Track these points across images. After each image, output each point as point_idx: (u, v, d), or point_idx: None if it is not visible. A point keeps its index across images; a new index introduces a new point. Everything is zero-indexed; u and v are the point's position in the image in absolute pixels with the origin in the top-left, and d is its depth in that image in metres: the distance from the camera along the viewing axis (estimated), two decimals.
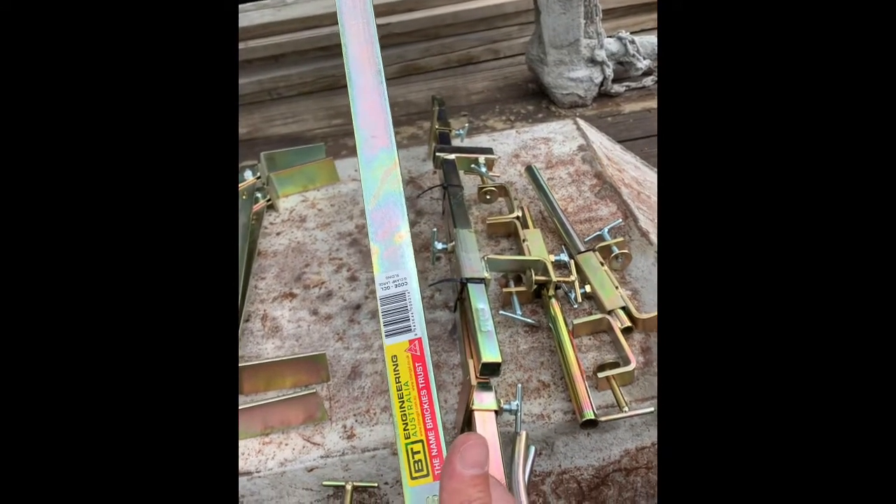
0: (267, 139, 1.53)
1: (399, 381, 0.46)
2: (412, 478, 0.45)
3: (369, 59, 0.62)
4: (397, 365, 0.46)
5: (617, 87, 1.48)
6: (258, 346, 0.82)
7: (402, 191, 0.55)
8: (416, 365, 0.46)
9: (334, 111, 1.61)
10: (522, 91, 1.57)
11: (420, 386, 0.46)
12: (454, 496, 0.42)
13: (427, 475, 0.45)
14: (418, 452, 0.45)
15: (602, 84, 1.47)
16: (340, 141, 1.50)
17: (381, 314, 0.48)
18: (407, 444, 0.45)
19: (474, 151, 0.97)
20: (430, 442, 0.46)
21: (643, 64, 1.48)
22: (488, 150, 0.97)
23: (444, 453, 0.45)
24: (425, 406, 0.46)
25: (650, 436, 0.70)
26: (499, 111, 1.52)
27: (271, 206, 1.04)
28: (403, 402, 0.46)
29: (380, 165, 0.57)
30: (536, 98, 1.53)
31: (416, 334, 0.48)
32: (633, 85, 1.49)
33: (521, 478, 0.64)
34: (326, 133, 1.53)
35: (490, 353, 0.68)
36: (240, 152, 1.41)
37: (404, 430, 0.46)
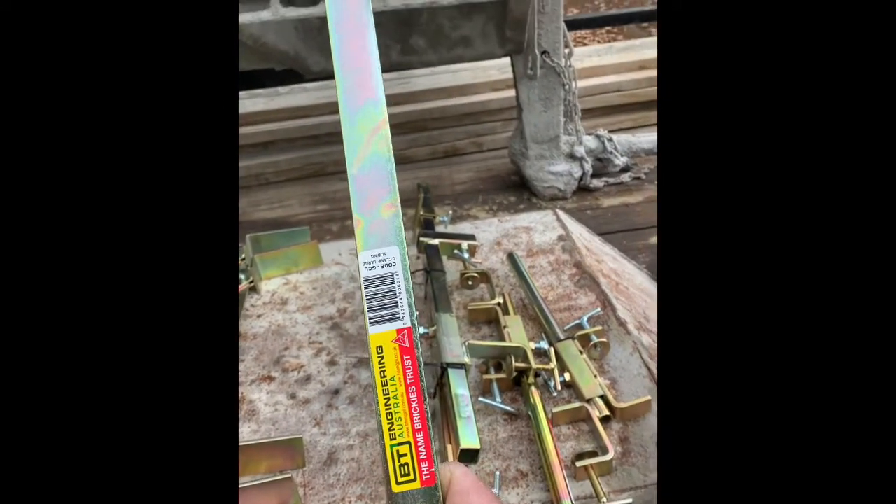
0: (252, 223, 1.55)
1: (385, 376, 0.41)
2: (398, 483, 0.41)
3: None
4: (382, 357, 0.40)
5: (596, 182, 1.53)
6: None
7: (391, 154, 0.47)
8: (405, 358, 0.40)
9: (320, 197, 1.64)
10: (505, 182, 1.62)
11: (408, 381, 0.41)
12: None
13: (414, 480, 0.41)
14: (405, 455, 0.41)
15: (581, 178, 1.52)
16: (325, 226, 1.52)
17: (364, 298, 0.41)
18: (392, 446, 0.41)
19: (457, 237, 0.99)
20: (419, 444, 0.41)
21: (621, 161, 1.54)
22: (471, 237, 1.00)
23: (434, 458, 0.41)
24: (413, 404, 0.41)
25: None
26: (482, 201, 1.56)
27: (253, 289, 1.05)
28: (389, 398, 0.41)
29: (365, 120, 0.48)
30: (518, 190, 1.58)
31: (404, 323, 0.42)
32: (612, 180, 1.55)
33: None
34: (311, 218, 1.56)
35: (469, 440, 0.68)
36: None
37: (389, 430, 0.41)
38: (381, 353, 0.41)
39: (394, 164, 0.46)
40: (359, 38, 0.51)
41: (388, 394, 0.41)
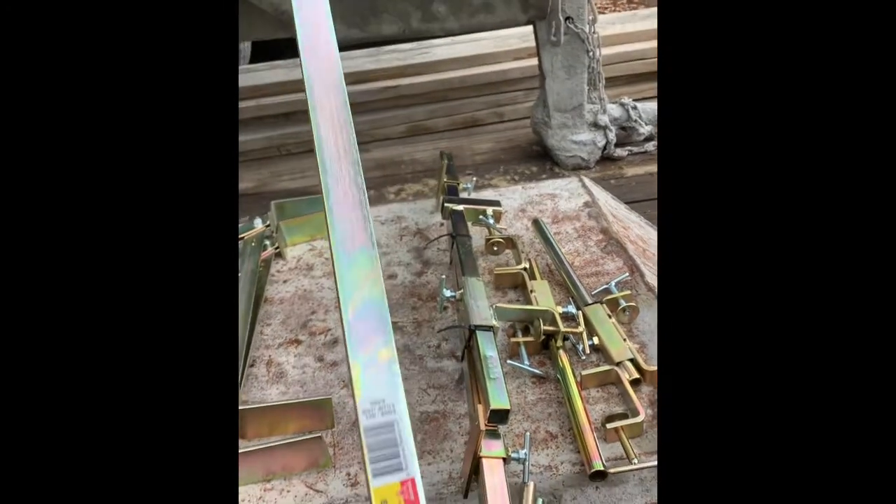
0: (275, 194, 1.55)
1: None
2: None
3: (344, 146, 0.54)
4: None
5: (620, 151, 1.51)
6: (262, 391, 0.81)
7: (384, 298, 0.47)
8: None
9: None
10: (527, 153, 1.60)
11: None
12: None
13: None
14: None
15: (605, 148, 1.50)
16: None
17: (365, 449, 0.40)
18: None
19: (482, 203, 0.98)
20: None
21: (645, 129, 1.52)
22: (496, 203, 0.99)
23: None
24: None
25: None
26: (503, 171, 1.54)
27: (279, 254, 1.05)
28: None
29: (358, 267, 0.48)
30: (540, 160, 1.56)
31: (408, 474, 0.40)
32: (636, 149, 1.53)
33: None
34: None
35: (499, 400, 0.68)
36: (248, 205, 1.42)
37: None
38: None
39: (388, 309, 0.45)
40: (348, 193, 0.52)
41: None
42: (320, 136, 0.54)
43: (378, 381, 0.44)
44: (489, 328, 0.76)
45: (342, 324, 0.46)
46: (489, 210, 0.97)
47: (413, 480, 0.40)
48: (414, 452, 0.41)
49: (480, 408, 0.67)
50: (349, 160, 0.53)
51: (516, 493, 0.64)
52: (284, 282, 0.99)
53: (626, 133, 1.52)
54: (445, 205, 0.97)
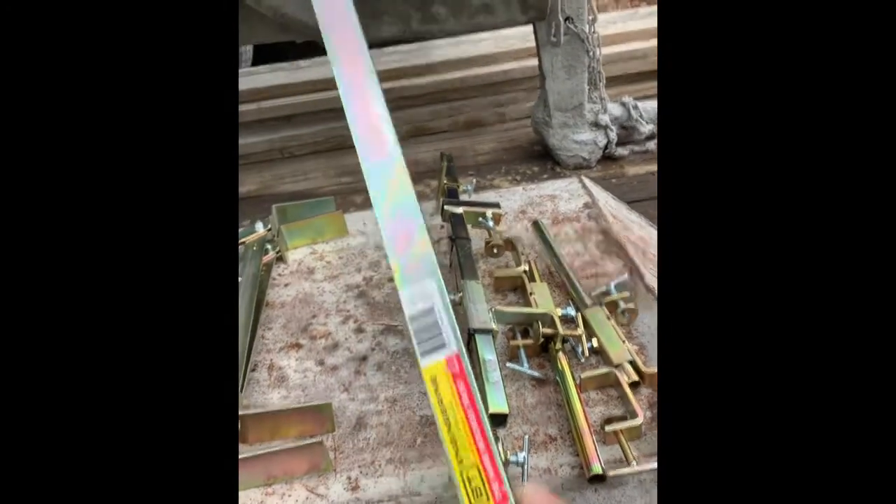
0: (276, 197, 1.55)
1: (442, 404, 0.42)
2: None
3: (358, 57, 0.58)
4: (437, 387, 0.42)
5: (621, 151, 1.51)
6: (264, 395, 0.81)
7: (414, 197, 0.50)
8: (458, 382, 0.42)
9: (343, 170, 1.64)
10: (528, 153, 1.60)
11: (465, 406, 0.42)
12: None
13: (488, 501, 0.41)
14: (475, 478, 0.41)
15: (606, 147, 1.50)
16: (349, 198, 1.52)
17: (412, 334, 0.44)
18: (462, 473, 0.41)
19: (482, 206, 0.98)
20: (486, 465, 0.42)
21: (646, 128, 1.51)
22: (495, 205, 0.99)
23: (503, 475, 0.41)
24: (473, 427, 0.41)
25: None
26: (505, 171, 1.55)
27: (280, 258, 1.05)
28: (450, 426, 0.42)
29: (384, 176, 0.52)
30: (542, 159, 1.56)
31: (452, 350, 0.43)
32: (637, 149, 1.52)
33: None
34: (335, 191, 1.56)
35: (498, 404, 0.68)
36: (249, 209, 1.43)
37: (456, 455, 0.42)
38: (436, 383, 0.42)
39: (418, 205, 0.48)
40: (366, 101, 0.56)
41: (449, 421, 0.41)
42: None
43: (415, 273, 0.47)
44: (488, 331, 0.76)
45: (380, 228, 0.50)
46: (489, 212, 0.98)
47: (457, 355, 0.43)
48: (456, 329, 0.44)
49: None
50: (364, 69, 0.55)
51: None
52: (286, 285, 1.00)
53: (627, 132, 1.52)
54: (445, 207, 0.97)
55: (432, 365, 0.43)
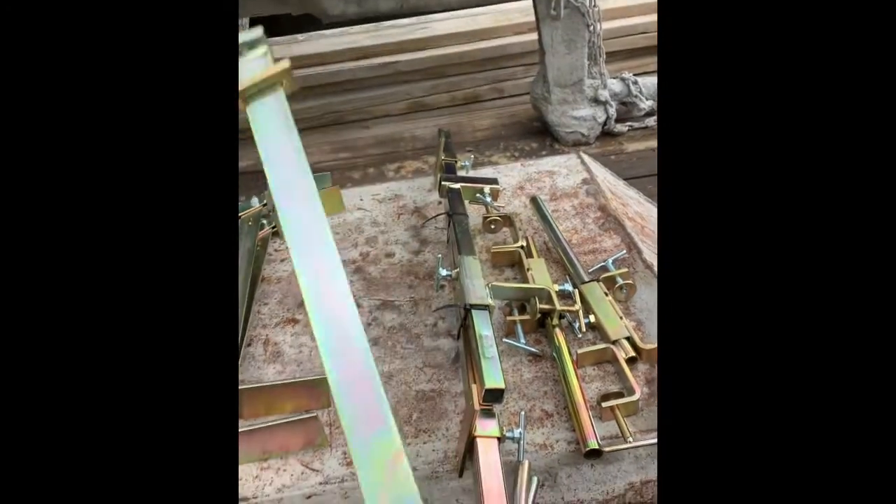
0: None
1: None
2: None
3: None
4: None
5: (620, 127, 1.50)
6: (259, 370, 0.81)
7: (417, 496, 0.42)
8: None
9: (340, 145, 1.62)
10: (527, 129, 1.59)
11: None
12: None
13: None
14: None
15: (605, 123, 1.48)
16: (346, 174, 1.51)
17: None
18: None
19: (480, 181, 0.98)
20: None
21: (646, 104, 1.50)
22: (493, 181, 0.98)
23: None
24: None
25: (656, 469, 0.69)
26: (503, 148, 1.53)
27: (276, 233, 1.04)
28: None
29: (379, 453, 0.43)
30: (540, 136, 1.55)
31: None
32: (636, 125, 1.51)
33: None
34: (332, 166, 1.54)
35: (494, 379, 0.68)
36: (245, 184, 1.42)
37: None
38: None
39: None
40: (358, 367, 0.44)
41: None
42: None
43: None
44: (485, 307, 0.75)
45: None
46: (486, 188, 0.97)
47: None
48: None
49: (475, 387, 0.67)
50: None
51: (511, 471, 0.64)
52: (282, 261, 0.99)
53: (626, 108, 1.51)
54: (443, 183, 0.96)
55: None
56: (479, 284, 0.78)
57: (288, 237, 0.52)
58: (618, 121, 1.49)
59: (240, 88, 0.53)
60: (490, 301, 0.76)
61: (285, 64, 0.55)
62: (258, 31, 0.56)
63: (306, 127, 1.70)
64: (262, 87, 0.55)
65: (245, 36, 0.56)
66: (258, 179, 1.49)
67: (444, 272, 0.81)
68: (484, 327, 0.73)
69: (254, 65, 0.54)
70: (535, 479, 0.65)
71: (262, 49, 0.55)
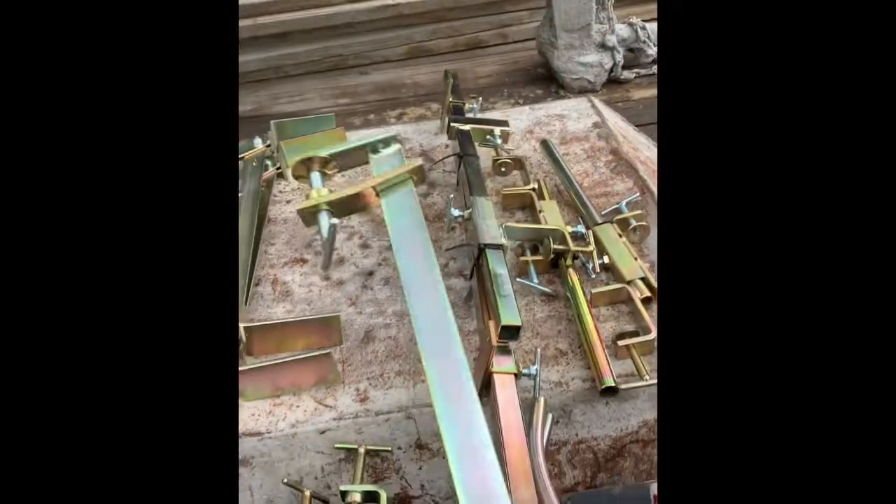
0: (273, 116, 1.51)
1: None
2: None
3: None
4: None
5: (627, 74, 1.47)
6: (269, 309, 0.80)
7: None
8: None
9: (340, 91, 1.59)
10: (531, 76, 1.56)
11: None
12: None
13: None
14: None
15: (612, 70, 1.46)
16: (347, 120, 1.48)
17: None
18: None
19: (490, 123, 0.96)
20: None
21: (653, 51, 1.47)
22: (504, 123, 0.96)
23: None
24: None
25: None
26: (507, 95, 1.51)
27: (281, 175, 1.02)
28: None
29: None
30: (545, 83, 1.53)
31: None
32: (643, 72, 1.49)
33: (540, 445, 0.63)
34: (333, 112, 1.52)
35: (510, 317, 0.67)
36: (246, 129, 1.39)
37: None
38: None
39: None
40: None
41: None
42: None
43: None
44: (499, 247, 0.74)
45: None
46: (496, 130, 0.95)
47: None
48: None
49: (492, 324, 0.66)
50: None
51: (526, 408, 0.64)
52: (287, 202, 0.98)
53: (633, 55, 1.49)
54: (452, 124, 0.94)
55: None
56: (492, 224, 0.77)
57: (414, 320, 0.59)
58: (625, 67, 1.47)
59: (374, 184, 0.58)
60: (504, 241, 0.75)
61: (417, 162, 0.61)
62: (393, 132, 0.62)
63: (305, 71, 1.66)
64: (395, 183, 0.60)
65: (381, 134, 0.61)
66: (259, 124, 1.46)
67: (456, 213, 0.80)
68: (499, 266, 0.72)
69: (387, 162, 0.59)
70: (550, 416, 0.65)
71: (395, 147, 0.60)
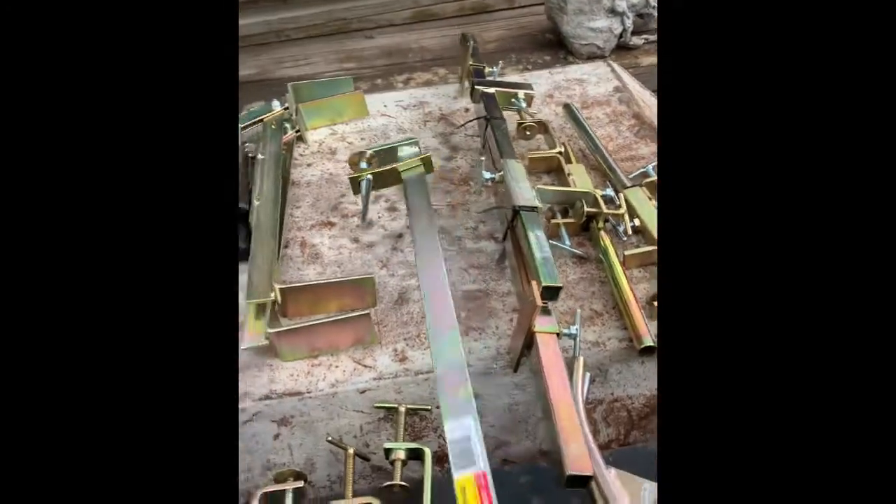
0: (278, 81, 1.49)
1: None
2: None
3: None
4: (465, 495, 0.52)
5: (636, 40, 1.47)
6: (299, 271, 0.80)
7: (464, 359, 0.60)
8: (482, 493, 0.52)
9: (345, 55, 1.57)
10: (539, 41, 1.55)
11: None
12: None
13: None
14: None
15: (621, 35, 1.45)
16: (354, 84, 1.46)
17: (451, 454, 0.54)
18: None
19: (514, 86, 0.95)
20: None
21: None
22: (528, 86, 0.96)
23: None
24: None
25: None
26: (515, 61, 1.50)
27: (300, 138, 1.01)
28: None
29: (450, 341, 0.62)
30: (553, 48, 1.52)
31: (479, 468, 0.53)
32: (652, 38, 1.48)
33: (582, 402, 0.64)
34: (338, 76, 1.50)
35: (551, 278, 0.68)
36: (250, 93, 1.36)
37: None
38: (465, 493, 0.52)
39: (466, 367, 0.59)
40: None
41: None
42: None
43: (458, 410, 0.57)
44: (533, 209, 0.75)
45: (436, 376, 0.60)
46: (521, 93, 0.94)
47: (484, 473, 0.53)
48: (484, 452, 0.54)
49: (534, 284, 0.66)
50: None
51: (565, 367, 0.65)
52: (308, 165, 0.97)
53: (643, 20, 1.48)
54: (476, 87, 0.94)
55: (463, 477, 0.52)
56: (525, 187, 0.77)
57: (418, 261, 0.70)
58: (634, 33, 1.46)
59: (397, 165, 0.81)
60: (538, 203, 0.75)
61: (427, 155, 0.82)
62: (414, 139, 0.84)
63: (309, 35, 1.63)
64: (412, 167, 0.81)
65: (406, 137, 0.85)
66: (262, 89, 1.44)
67: (487, 175, 0.80)
68: (535, 228, 0.72)
69: (408, 152, 0.82)
70: (587, 375, 0.66)
71: (415, 148, 0.83)
